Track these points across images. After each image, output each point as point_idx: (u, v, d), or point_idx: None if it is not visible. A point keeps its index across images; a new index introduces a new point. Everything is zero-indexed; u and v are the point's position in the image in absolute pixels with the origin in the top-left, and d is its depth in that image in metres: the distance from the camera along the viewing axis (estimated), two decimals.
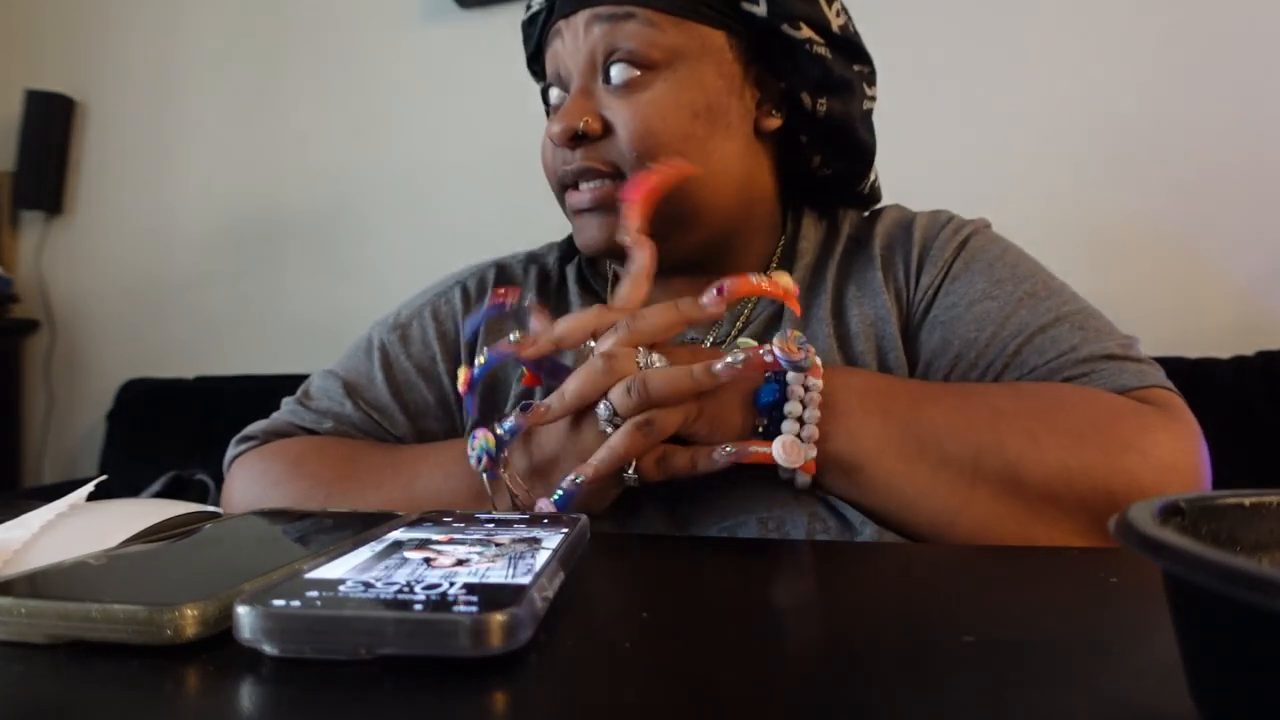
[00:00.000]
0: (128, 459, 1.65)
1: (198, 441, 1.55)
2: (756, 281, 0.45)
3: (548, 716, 0.20)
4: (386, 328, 0.67)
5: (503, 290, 0.51)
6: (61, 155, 1.96)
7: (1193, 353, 1.12)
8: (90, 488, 0.38)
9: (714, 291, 0.45)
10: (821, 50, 0.56)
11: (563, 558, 0.30)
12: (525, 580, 0.25)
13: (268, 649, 0.22)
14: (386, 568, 0.27)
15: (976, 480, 0.45)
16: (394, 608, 0.22)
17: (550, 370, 0.49)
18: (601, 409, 0.44)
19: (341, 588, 0.24)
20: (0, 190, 1.98)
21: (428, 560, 0.28)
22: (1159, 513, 0.19)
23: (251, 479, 0.58)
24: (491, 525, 0.35)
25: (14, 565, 0.31)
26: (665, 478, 0.45)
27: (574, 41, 0.56)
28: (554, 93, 0.59)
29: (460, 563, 0.28)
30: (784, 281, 0.46)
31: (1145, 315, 1.20)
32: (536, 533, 0.33)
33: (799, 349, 0.43)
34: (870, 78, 0.61)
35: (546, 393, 0.47)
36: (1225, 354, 1.12)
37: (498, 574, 0.26)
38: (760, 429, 0.46)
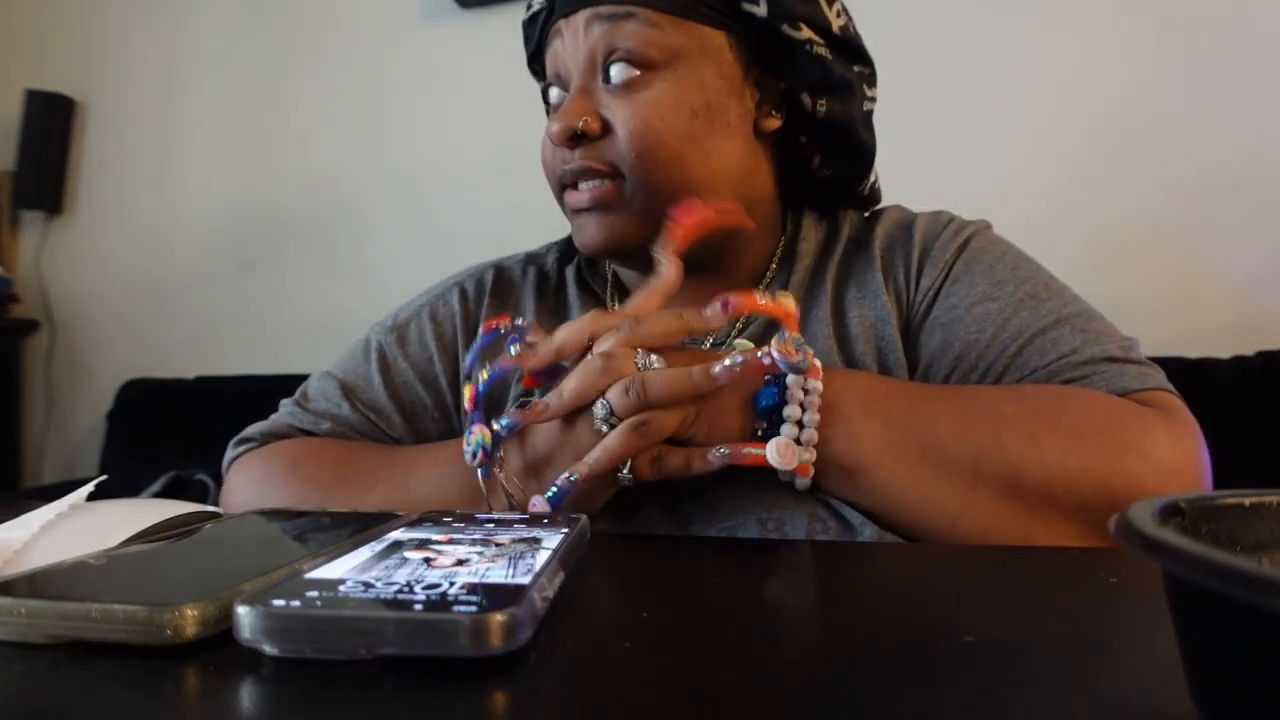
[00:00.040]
0: (128, 459, 1.65)
1: (198, 441, 1.55)
2: (761, 300, 0.46)
3: (548, 716, 0.20)
4: (384, 329, 0.67)
5: (494, 321, 0.51)
6: (61, 155, 1.96)
7: (1193, 353, 1.12)
8: (90, 488, 0.38)
9: (718, 305, 0.45)
10: (822, 51, 0.56)
11: (563, 558, 0.30)
12: (525, 580, 0.25)
13: (268, 649, 0.22)
14: (386, 568, 0.27)
15: (977, 483, 0.45)
16: (394, 608, 0.22)
17: (549, 371, 0.49)
18: (598, 408, 0.44)
19: (341, 588, 0.24)
20: (0, 190, 1.98)
21: (428, 560, 0.28)
22: (1159, 513, 0.19)
23: (250, 481, 0.58)
24: (491, 525, 0.35)
25: (14, 565, 0.31)
26: (660, 478, 0.45)
27: (574, 41, 0.56)
28: (554, 92, 0.59)
29: (460, 563, 0.28)
30: (786, 303, 0.46)
31: (1145, 315, 1.21)
32: (536, 533, 0.33)
33: (797, 351, 0.43)
34: (870, 79, 0.61)
35: (547, 391, 0.47)
36: (1225, 354, 1.12)
37: (498, 574, 0.26)
38: (759, 433, 0.46)
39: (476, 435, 0.45)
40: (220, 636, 0.24)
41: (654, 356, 0.45)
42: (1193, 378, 1.07)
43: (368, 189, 1.76)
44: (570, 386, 0.44)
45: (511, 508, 0.46)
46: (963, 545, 0.45)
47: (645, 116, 0.53)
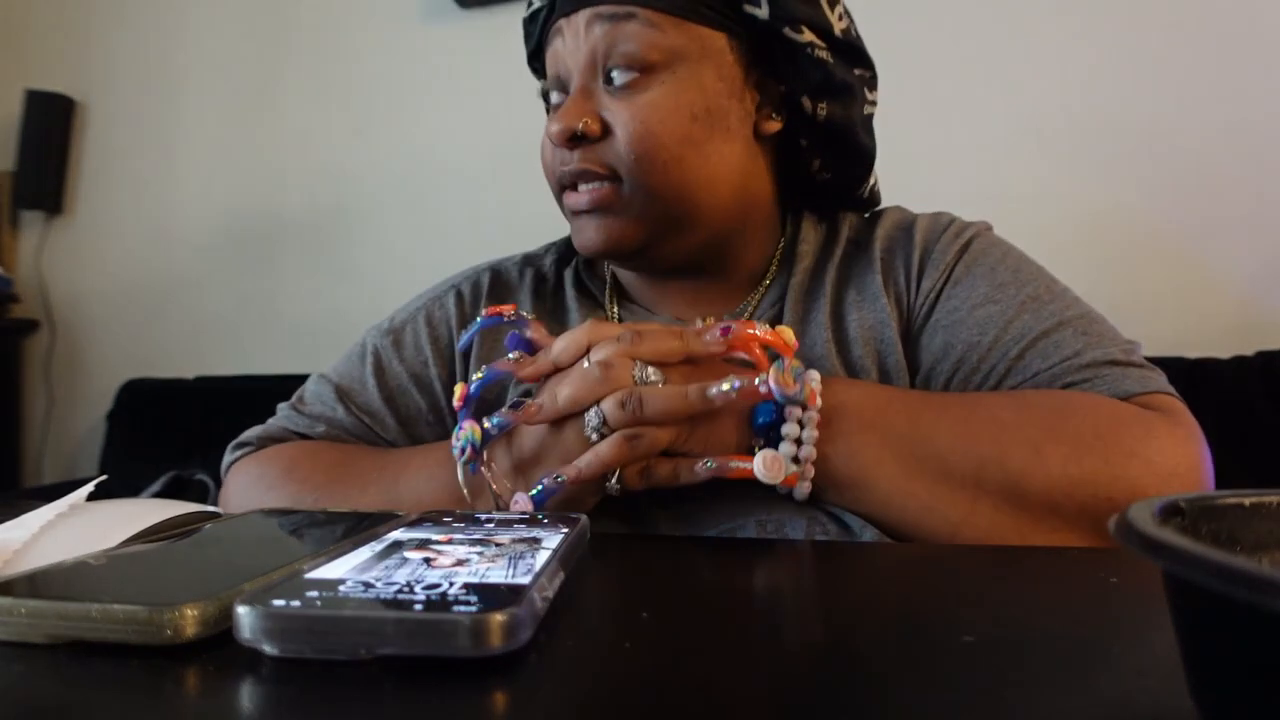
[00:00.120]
0: (128, 459, 1.65)
1: (198, 441, 1.55)
2: (762, 332, 0.46)
3: (548, 716, 0.20)
4: (380, 333, 0.67)
5: (498, 307, 0.51)
6: (61, 155, 1.96)
7: (1193, 353, 1.12)
8: (90, 488, 0.38)
9: (718, 332, 0.46)
10: (823, 54, 0.56)
11: (563, 558, 0.30)
12: (525, 580, 0.25)
13: (268, 649, 0.22)
14: (386, 568, 0.27)
15: (979, 493, 0.45)
16: (394, 608, 0.22)
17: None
18: (591, 416, 0.44)
19: (341, 588, 0.24)
20: (0, 190, 1.98)
21: (428, 560, 0.28)
22: (1159, 513, 0.19)
23: (247, 484, 0.59)
24: (491, 525, 0.35)
25: (14, 565, 0.31)
26: (647, 487, 0.45)
27: (574, 41, 0.56)
28: (554, 93, 0.59)
29: (460, 563, 0.28)
30: (787, 336, 0.47)
31: (1145, 315, 1.21)
32: (536, 533, 0.33)
33: (795, 381, 0.43)
34: (871, 82, 0.61)
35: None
36: (1225, 354, 1.12)
37: (498, 574, 0.26)
38: (756, 449, 0.46)
39: (466, 431, 0.45)
40: (220, 636, 0.24)
41: (651, 369, 0.45)
42: (1193, 378, 1.07)
43: (367, 189, 1.76)
44: (565, 393, 0.44)
45: (496, 506, 0.46)
46: (963, 546, 0.45)
47: (645, 119, 0.53)
